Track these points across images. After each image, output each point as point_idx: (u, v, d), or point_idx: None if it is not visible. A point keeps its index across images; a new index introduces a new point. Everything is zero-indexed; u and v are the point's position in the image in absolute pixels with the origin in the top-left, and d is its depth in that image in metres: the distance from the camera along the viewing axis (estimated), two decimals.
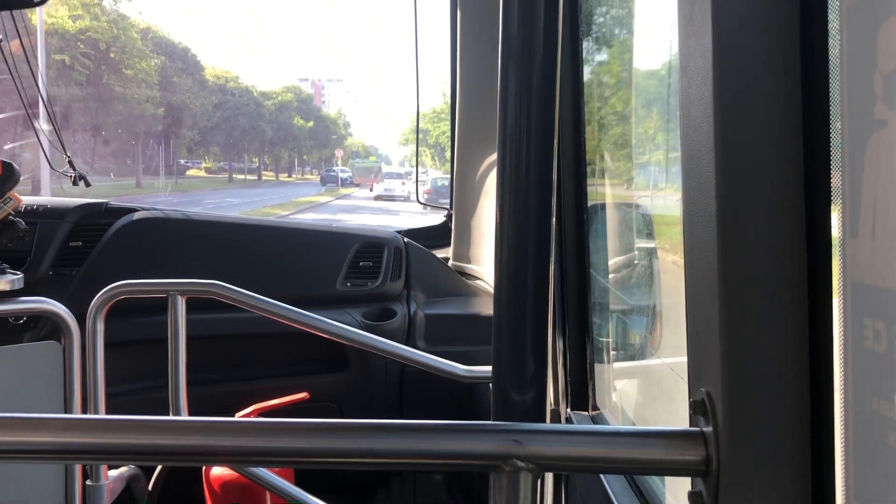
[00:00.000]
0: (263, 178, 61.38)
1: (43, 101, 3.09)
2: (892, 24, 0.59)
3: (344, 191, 51.79)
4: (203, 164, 56.56)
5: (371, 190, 53.76)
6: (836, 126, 0.67)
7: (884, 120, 0.59)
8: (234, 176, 55.08)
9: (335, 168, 63.09)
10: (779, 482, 0.70)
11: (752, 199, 0.70)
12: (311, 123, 62.90)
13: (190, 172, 52.26)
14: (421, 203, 4.25)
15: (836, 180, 0.67)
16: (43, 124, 3.12)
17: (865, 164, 0.62)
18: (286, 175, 67.58)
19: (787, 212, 0.70)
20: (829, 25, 0.68)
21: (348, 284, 3.04)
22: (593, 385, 1.99)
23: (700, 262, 0.75)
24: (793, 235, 0.70)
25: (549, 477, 1.90)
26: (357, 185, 56.85)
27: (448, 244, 3.48)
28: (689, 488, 0.78)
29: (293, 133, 60.52)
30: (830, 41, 0.68)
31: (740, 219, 0.70)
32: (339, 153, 60.32)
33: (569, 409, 1.99)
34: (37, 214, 2.83)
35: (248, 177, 59.53)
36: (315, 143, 65.88)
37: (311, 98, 65.85)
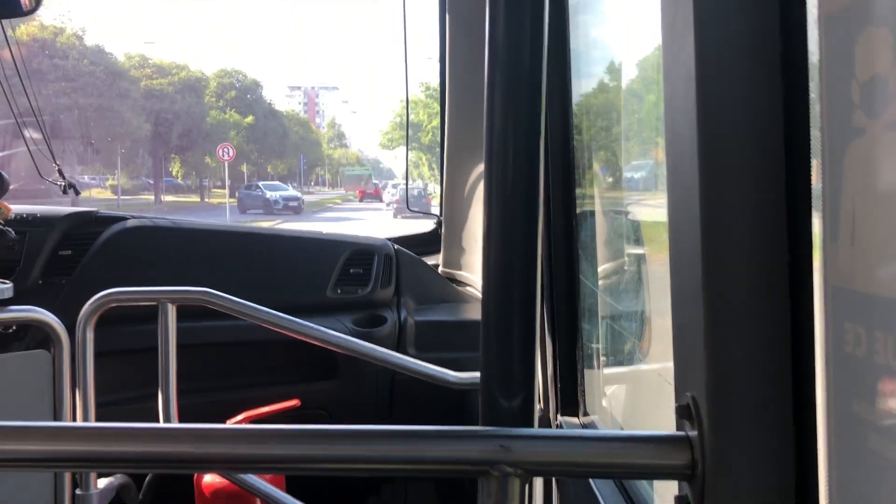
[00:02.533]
0: (176, 198, 42.54)
1: (33, 110, 3.09)
2: (869, 33, 0.60)
3: None
4: (109, 181, 39.01)
5: (360, 200, 50.21)
6: (816, 133, 0.68)
7: (862, 127, 0.60)
8: (96, 196, 34.31)
9: (259, 184, 40.75)
10: (763, 485, 0.71)
11: (735, 206, 0.71)
12: (249, 119, 45.57)
13: (91, 193, 34.35)
14: (411, 210, 4.25)
15: (816, 187, 0.68)
16: (32, 133, 3.11)
17: (844, 171, 0.63)
18: (226, 192, 43.59)
19: (770, 218, 0.71)
20: (809, 34, 0.69)
21: (338, 291, 3.04)
22: (583, 391, 1.99)
23: (684, 268, 0.76)
24: (775, 241, 0.71)
25: (539, 481, 1.90)
26: (296, 212, 37.70)
27: (438, 251, 3.49)
28: (676, 492, 0.78)
29: (203, 130, 39.98)
30: (810, 50, 0.69)
31: (723, 225, 0.71)
32: (224, 153, 35.98)
33: (559, 415, 2.00)
34: (26, 223, 2.82)
35: (147, 196, 39.99)
36: (262, 148, 48.53)
37: (258, 87, 50.24)
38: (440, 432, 0.79)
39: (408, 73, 3.41)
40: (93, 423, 1.94)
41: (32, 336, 2.61)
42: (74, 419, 2.17)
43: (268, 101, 52.80)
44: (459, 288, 3.29)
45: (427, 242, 3.60)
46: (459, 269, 3.37)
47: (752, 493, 0.71)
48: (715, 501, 0.71)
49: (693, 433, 0.74)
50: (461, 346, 2.82)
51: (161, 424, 2.07)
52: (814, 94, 0.69)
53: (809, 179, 0.69)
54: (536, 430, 0.81)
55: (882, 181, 0.59)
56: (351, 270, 3.07)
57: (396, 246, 3.23)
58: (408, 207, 4.15)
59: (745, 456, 0.71)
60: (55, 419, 2.18)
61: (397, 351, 2.76)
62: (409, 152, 4.21)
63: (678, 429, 0.77)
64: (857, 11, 0.63)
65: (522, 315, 0.87)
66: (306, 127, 62.99)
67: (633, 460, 0.76)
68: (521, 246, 0.86)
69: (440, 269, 3.43)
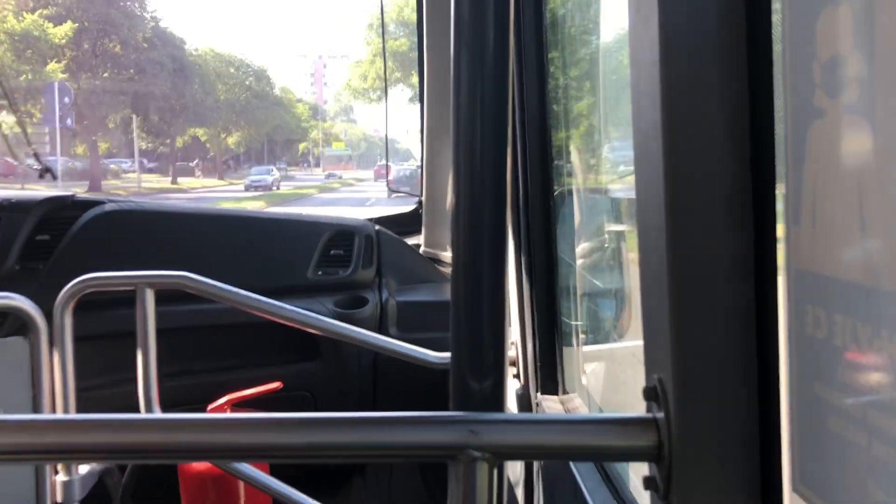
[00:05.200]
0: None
1: (5, 93, 3.05)
2: (831, 12, 0.59)
3: None
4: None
5: (376, 180, 42.51)
6: (780, 115, 0.68)
7: (822, 108, 0.60)
8: None
9: None
10: (728, 466, 0.71)
11: (699, 188, 0.71)
12: (65, 28, 27.12)
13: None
14: (391, 190, 4.22)
15: (780, 169, 0.68)
16: (5, 117, 3.07)
17: (806, 153, 0.63)
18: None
19: (734, 200, 0.70)
20: (773, 14, 0.69)
21: (319, 273, 3.03)
22: (562, 369, 2.00)
23: (651, 251, 0.76)
24: (740, 224, 0.71)
25: (518, 462, 1.91)
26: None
27: (419, 231, 3.48)
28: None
29: None
30: (774, 30, 0.69)
31: (688, 208, 0.71)
32: None
33: (539, 394, 2.01)
34: (1, 208, 2.79)
35: None
36: (140, 101, 30.90)
37: None
38: (409, 418, 0.79)
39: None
40: (73, 415, 1.94)
41: (10, 323, 2.59)
42: (53, 406, 2.16)
43: (151, 17, 32.83)
44: (441, 268, 3.29)
45: (408, 222, 3.59)
46: (440, 249, 3.36)
47: (718, 474, 0.71)
48: (681, 482, 0.72)
49: (660, 415, 0.74)
50: (443, 327, 2.81)
51: (142, 415, 2.06)
52: (778, 74, 0.68)
53: (773, 163, 0.69)
54: (504, 414, 0.82)
55: (843, 163, 0.59)
56: (331, 252, 3.06)
57: (377, 227, 3.22)
58: (388, 188, 4.10)
59: (710, 437, 0.71)
60: (34, 406, 2.17)
61: (379, 332, 2.76)
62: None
63: (647, 411, 0.78)
64: None
65: (491, 297, 0.87)
66: (264, 80, 43.11)
67: (600, 442, 0.77)
68: (488, 230, 0.86)
69: (421, 249, 3.43)
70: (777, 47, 0.69)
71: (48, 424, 0.86)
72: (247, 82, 40.72)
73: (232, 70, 40.07)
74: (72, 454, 0.87)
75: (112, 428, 0.81)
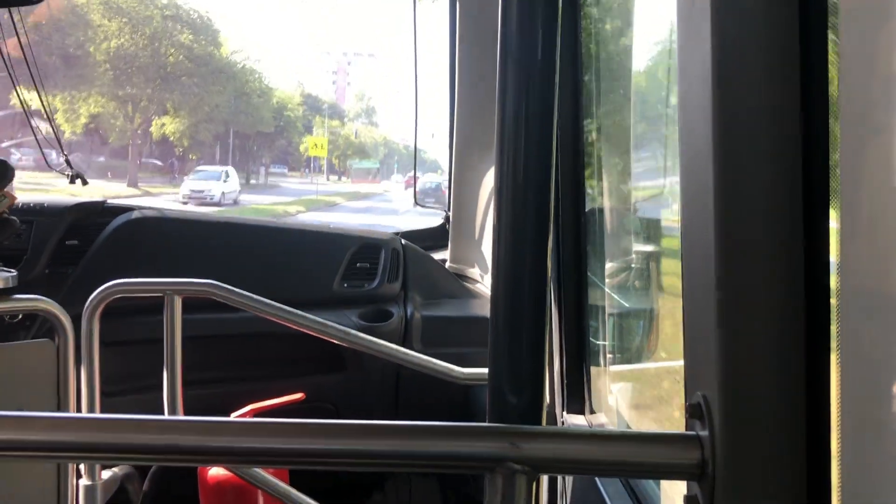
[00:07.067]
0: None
1: (40, 99, 3.09)
2: (890, 29, 0.59)
3: None
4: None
5: (406, 189, 43.42)
6: (834, 129, 0.67)
7: (880, 124, 0.59)
8: None
9: None
10: (774, 486, 0.70)
11: (750, 203, 0.70)
12: None
13: None
14: (418, 205, 4.21)
15: (834, 184, 0.67)
16: (39, 122, 3.11)
17: (863, 168, 0.62)
18: None
19: (786, 215, 0.69)
20: (828, 29, 0.68)
21: (345, 285, 3.03)
22: (589, 388, 1.99)
23: (697, 266, 0.75)
24: (791, 239, 0.69)
25: (544, 480, 1.89)
26: None
27: (446, 246, 3.48)
28: (685, 492, 0.77)
29: None
30: (829, 45, 0.68)
31: (738, 223, 0.70)
32: None
33: (565, 413, 1.99)
34: (33, 213, 2.82)
35: None
36: None
37: None
38: (448, 428, 0.78)
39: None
40: (97, 415, 1.95)
41: (39, 326, 2.61)
42: (79, 409, 2.17)
43: None
44: (466, 284, 3.28)
45: (435, 237, 3.59)
46: (467, 264, 3.35)
47: (763, 494, 0.70)
48: (725, 501, 0.70)
49: (704, 432, 0.73)
50: (467, 342, 2.81)
51: (167, 417, 2.07)
52: (833, 89, 0.68)
53: (827, 177, 0.68)
54: (545, 427, 0.81)
55: None
56: (358, 264, 3.06)
57: (404, 241, 3.22)
58: (415, 201, 4.06)
59: (756, 456, 0.70)
60: (58, 408, 2.18)
61: (403, 346, 2.75)
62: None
63: (688, 428, 0.76)
64: (876, 6, 0.61)
65: (532, 312, 0.86)
66: (208, 36, 27.23)
67: (642, 459, 0.75)
68: (531, 243, 0.85)
69: (447, 264, 3.42)
70: (832, 62, 0.68)
71: (73, 422, 0.86)
72: (180, 36, 25.36)
73: (154, 12, 25.36)
74: (96, 453, 0.86)
75: (137, 428, 0.81)
